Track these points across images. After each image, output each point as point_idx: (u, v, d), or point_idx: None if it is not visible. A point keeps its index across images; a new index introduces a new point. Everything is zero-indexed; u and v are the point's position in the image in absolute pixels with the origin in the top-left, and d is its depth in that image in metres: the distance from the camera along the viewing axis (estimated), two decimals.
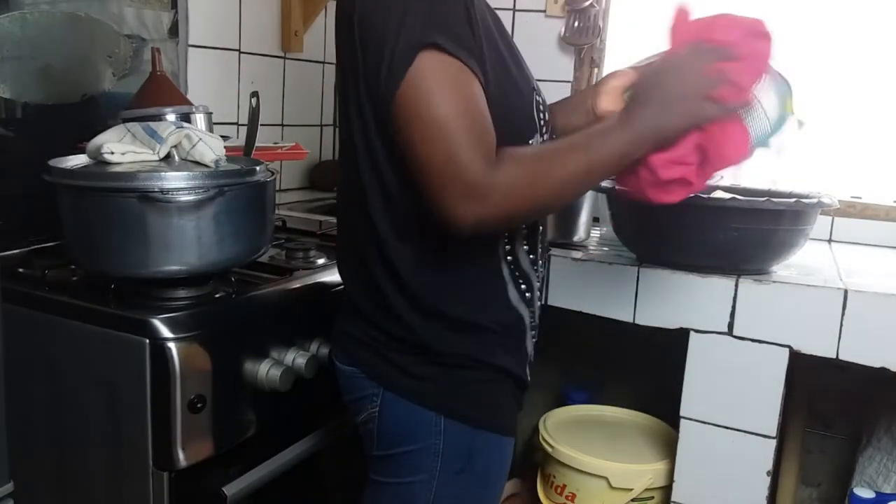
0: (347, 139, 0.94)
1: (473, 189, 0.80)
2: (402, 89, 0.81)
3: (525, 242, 0.99)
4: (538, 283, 1.04)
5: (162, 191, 1.01)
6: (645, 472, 1.47)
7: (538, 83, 1.01)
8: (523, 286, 0.99)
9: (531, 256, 1.00)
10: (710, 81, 0.87)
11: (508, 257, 0.97)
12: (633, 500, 1.47)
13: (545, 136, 0.99)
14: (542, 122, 0.98)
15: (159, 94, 1.34)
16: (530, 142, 0.95)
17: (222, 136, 1.26)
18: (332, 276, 1.31)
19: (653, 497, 1.48)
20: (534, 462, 1.63)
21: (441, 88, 0.81)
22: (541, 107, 0.99)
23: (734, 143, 0.92)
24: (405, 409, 0.95)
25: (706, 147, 0.90)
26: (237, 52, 1.88)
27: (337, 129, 2.32)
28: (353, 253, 0.99)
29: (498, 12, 1.00)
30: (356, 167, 0.92)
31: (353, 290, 1.00)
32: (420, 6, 0.81)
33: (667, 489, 1.42)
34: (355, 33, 0.86)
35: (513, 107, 0.92)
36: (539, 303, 1.06)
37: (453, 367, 0.94)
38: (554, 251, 1.45)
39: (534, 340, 1.05)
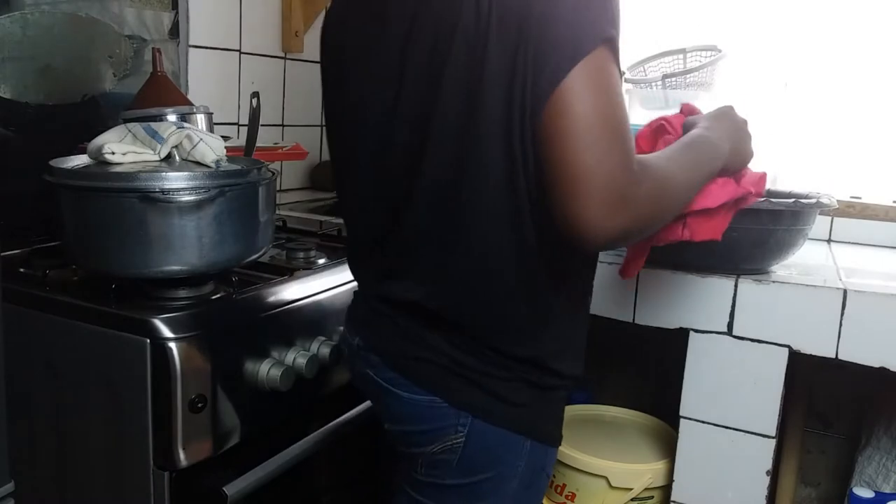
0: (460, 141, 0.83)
1: (624, 197, 0.74)
2: (569, 81, 0.73)
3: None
4: None
5: (163, 191, 1.01)
6: (644, 471, 1.47)
7: None
8: (588, 299, 1.01)
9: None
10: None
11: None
12: (632, 499, 1.47)
13: None
14: None
15: (160, 94, 1.34)
16: None
17: (223, 137, 1.27)
18: (333, 277, 1.31)
19: (652, 497, 1.48)
20: None
21: (609, 88, 0.75)
22: None
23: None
24: (496, 436, 0.90)
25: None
26: (238, 53, 1.88)
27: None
28: (466, 269, 0.88)
29: None
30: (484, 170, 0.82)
31: (455, 313, 0.89)
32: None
33: (666, 489, 1.43)
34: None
35: None
36: None
37: (548, 389, 0.92)
38: None
39: None
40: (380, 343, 0.95)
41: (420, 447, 0.93)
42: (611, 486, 1.47)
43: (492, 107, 0.79)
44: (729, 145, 0.96)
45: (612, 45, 0.75)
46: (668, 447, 1.51)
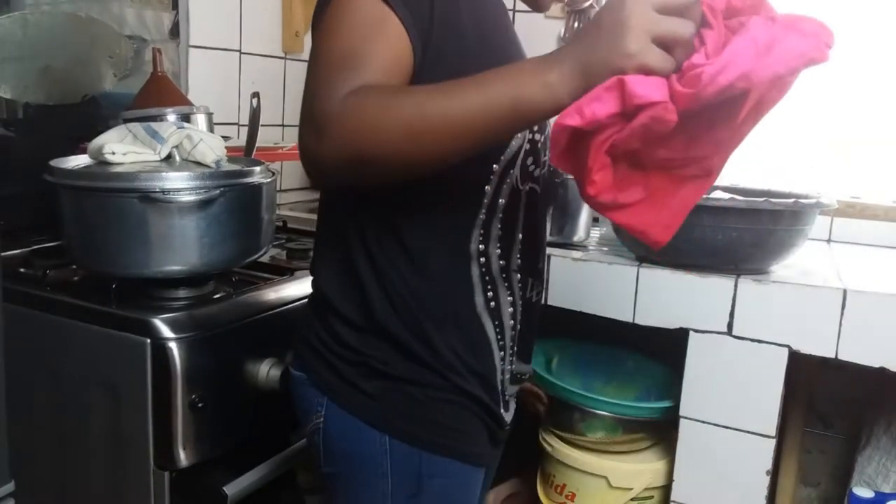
0: None
1: (316, 120, 0.71)
2: (322, 18, 0.77)
3: (498, 244, 0.89)
4: (511, 308, 0.91)
5: (163, 191, 1.01)
6: (644, 471, 1.47)
7: None
8: (490, 294, 0.89)
9: (501, 262, 0.89)
10: (671, 23, 0.64)
11: (481, 258, 0.87)
12: (632, 499, 1.47)
13: (536, 136, 0.90)
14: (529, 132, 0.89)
15: (160, 94, 1.34)
16: (513, 143, 0.86)
17: (223, 137, 1.27)
18: None
19: (652, 496, 1.48)
20: (533, 461, 1.64)
21: (349, 24, 0.74)
22: None
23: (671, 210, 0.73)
24: (350, 424, 0.87)
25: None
26: (238, 53, 1.88)
27: None
28: (328, 244, 0.92)
29: None
30: None
31: (317, 285, 0.93)
32: None
33: (666, 488, 1.43)
34: None
35: None
36: (517, 347, 0.94)
37: (406, 382, 0.86)
38: (554, 251, 1.45)
39: (510, 384, 0.95)
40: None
41: (302, 428, 0.95)
42: (611, 486, 1.47)
43: None
44: (572, 57, 0.66)
45: None
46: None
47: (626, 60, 0.63)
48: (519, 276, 0.92)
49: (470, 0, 0.84)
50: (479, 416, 0.91)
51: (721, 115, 0.71)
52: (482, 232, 0.87)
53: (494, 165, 0.86)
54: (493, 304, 0.89)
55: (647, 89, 0.63)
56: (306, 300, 0.97)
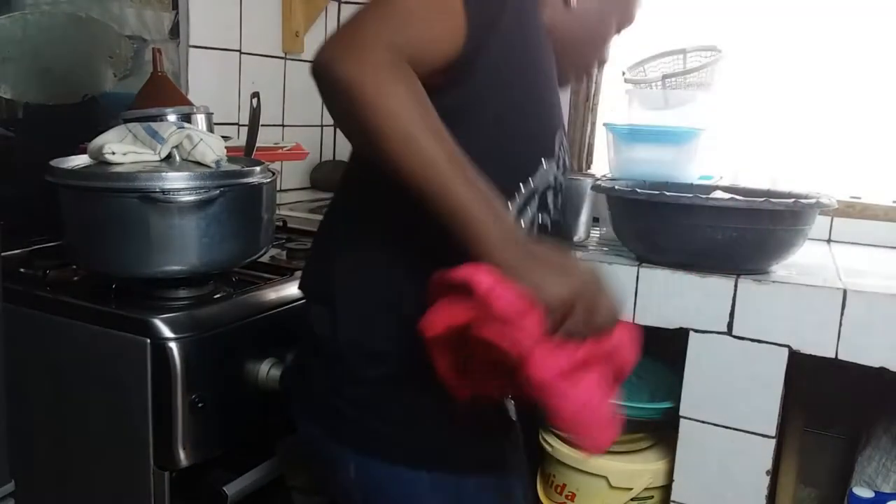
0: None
1: (354, 43, 0.71)
2: None
3: None
4: None
5: (163, 191, 1.01)
6: (644, 471, 1.47)
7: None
8: None
9: None
10: (602, 316, 0.70)
11: None
12: (632, 499, 1.47)
13: (558, 174, 0.92)
14: (560, 155, 0.91)
15: (160, 94, 1.34)
16: (543, 166, 0.88)
17: (223, 137, 1.27)
18: None
19: (652, 496, 1.48)
20: (533, 461, 1.64)
21: None
22: (562, 144, 0.92)
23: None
24: (387, 472, 0.87)
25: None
26: (238, 53, 1.88)
27: (337, 128, 2.32)
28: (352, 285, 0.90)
29: None
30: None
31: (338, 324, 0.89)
32: None
33: (666, 488, 1.43)
34: None
35: (537, 119, 0.88)
36: None
37: (426, 412, 0.86)
38: None
39: None
40: None
41: (324, 484, 0.98)
42: (611, 486, 1.47)
43: None
44: (505, 236, 0.70)
45: None
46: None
47: (552, 289, 0.68)
48: None
49: (531, 35, 0.85)
50: (495, 420, 0.92)
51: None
52: None
53: (521, 185, 0.87)
54: None
55: (520, 314, 0.67)
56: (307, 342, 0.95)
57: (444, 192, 0.69)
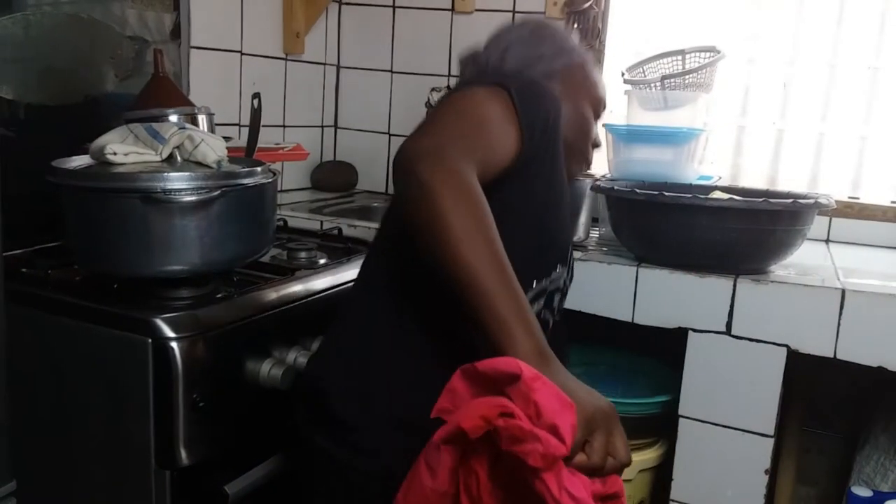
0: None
1: (431, 150, 0.80)
2: (462, 89, 0.92)
3: None
4: None
5: (164, 191, 1.01)
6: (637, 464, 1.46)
7: None
8: None
9: None
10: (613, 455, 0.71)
11: None
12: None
13: (566, 282, 1.06)
14: (570, 263, 1.05)
15: (161, 95, 1.35)
16: (558, 267, 1.01)
17: (224, 137, 1.27)
18: (334, 276, 1.32)
19: (650, 496, 1.49)
20: None
21: (485, 102, 0.88)
22: (571, 259, 1.09)
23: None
24: None
25: None
26: (239, 54, 1.89)
27: (337, 129, 2.32)
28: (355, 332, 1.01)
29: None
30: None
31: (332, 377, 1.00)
32: (521, 76, 0.97)
33: (665, 487, 1.43)
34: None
35: (559, 230, 1.00)
36: None
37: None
38: None
39: None
40: None
41: None
42: None
43: None
44: (539, 350, 0.74)
45: (510, 93, 0.89)
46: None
47: (587, 398, 0.70)
48: None
49: (560, 151, 0.97)
50: None
51: None
52: None
53: (534, 282, 0.96)
54: None
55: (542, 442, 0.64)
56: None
57: (503, 295, 0.74)
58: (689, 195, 1.30)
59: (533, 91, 0.93)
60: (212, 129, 1.38)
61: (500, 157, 0.87)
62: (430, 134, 0.84)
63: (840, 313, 1.23)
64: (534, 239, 0.94)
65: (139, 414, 1.03)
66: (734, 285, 1.29)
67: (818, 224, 1.51)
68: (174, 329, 1.02)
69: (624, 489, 0.72)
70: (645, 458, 1.49)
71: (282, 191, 2.07)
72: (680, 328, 1.34)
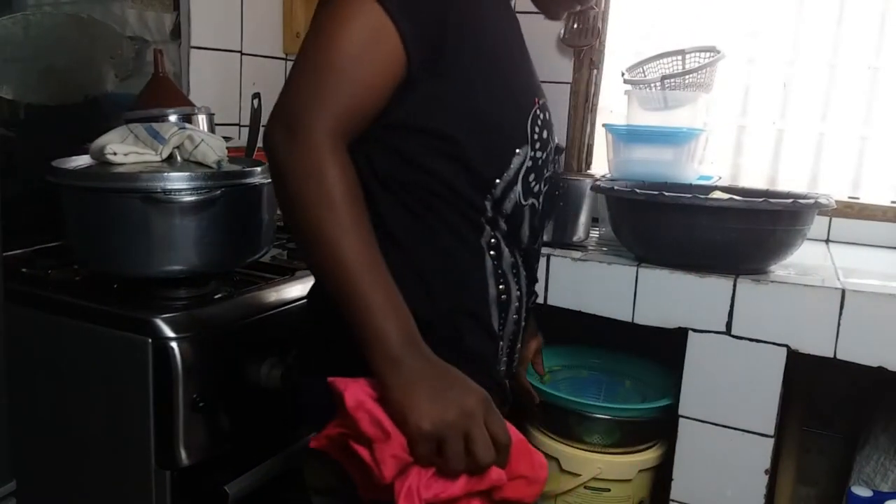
0: None
1: (290, 124, 0.77)
2: (326, 9, 0.80)
3: (506, 255, 0.92)
4: (517, 303, 0.94)
5: (164, 191, 1.02)
6: (595, 460, 1.46)
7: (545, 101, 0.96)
8: (501, 286, 0.91)
9: (512, 259, 0.93)
10: (481, 446, 0.71)
11: (494, 261, 0.90)
12: (585, 487, 1.46)
13: (538, 153, 0.92)
14: (535, 137, 0.92)
15: (162, 95, 1.35)
16: (517, 151, 0.89)
17: (224, 137, 1.27)
18: None
19: (609, 489, 1.48)
20: None
21: (350, 34, 0.78)
22: (539, 122, 0.92)
23: None
24: None
25: None
26: (239, 54, 1.89)
27: None
28: None
29: None
30: None
31: None
32: None
33: (665, 487, 1.43)
34: None
35: (502, 112, 0.89)
36: (512, 343, 0.96)
37: None
38: (554, 251, 1.45)
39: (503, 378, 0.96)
40: None
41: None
42: (561, 470, 1.47)
43: None
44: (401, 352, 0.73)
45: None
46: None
47: (418, 420, 0.70)
48: (520, 282, 0.95)
49: (491, 15, 0.88)
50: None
51: None
52: (491, 227, 0.90)
53: (497, 180, 0.89)
54: (503, 296, 0.92)
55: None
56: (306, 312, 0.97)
57: (351, 294, 0.74)
58: (689, 195, 1.30)
59: None
60: (212, 129, 1.38)
61: (377, 91, 0.80)
62: (285, 93, 0.79)
63: (840, 313, 1.23)
64: (486, 117, 0.87)
65: (139, 414, 1.03)
66: (734, 285, 1.29)
67: (818, 224, 1.51)
68: (174, 329, 1.02)
69: (504, 478, 0.73)
70: (645, 458, 1.49)
71: None
72: (680, 328, 1.34)
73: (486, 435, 0.71)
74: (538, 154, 0.92)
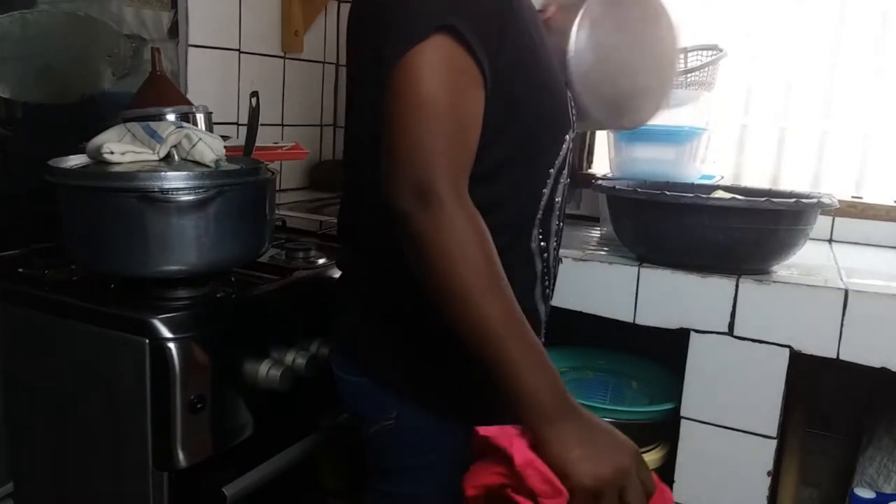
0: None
1: (421, 189, 0.75)
2: (403, 62, 0.76)
3: (554, 238, 0.98)
4: (549, 290, 1.01)
5: (162, 191, 1.01)
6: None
7: None
8: (546, 283, 0.98)
9: (553, 253, 0.99)
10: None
11: (543, 254, 0.95)
12: None
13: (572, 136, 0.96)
14: (573, 117, 0.95)
15: (159, 93, 1.34)
16: (566, 137, 0.93)
17: (222, 136, 1.26)
18: (333, 276, 1.31)
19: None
20: None
21: (439, 78, 0.76)
22: (571, 101, 0.97)
23: None
24: (426, 422, 0.92)
25: None
26: (237, 52, 1.88)
27: (337, 128, 2.32)
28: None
29: None
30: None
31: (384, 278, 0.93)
32: None
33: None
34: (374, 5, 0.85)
35: (554, 100, 0.91)
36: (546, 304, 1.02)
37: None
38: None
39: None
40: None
41: (360, 428, 1.02)
42: None
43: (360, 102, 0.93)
44: (561, 411, 0.77)
45: (456, 33, 0.76)
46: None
47: (582, 478, 0.74)
48: (553, 258, 1.01)
49: (529, 18, 0.89)
50: None
51: None
52: (541, 230, 0.94)
53: (551, 170, 0.92)
54: (547, 290, 1.00)
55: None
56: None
57: (498, 356, 0.75)
58: (691, 194, 1.29)
59: (472, 5, 0.78)
60: (210, 128, 1.37)
61: (478, 126, 0.80)
62: (403, 161, 0.76)
63: (843, 314, 1.22)
64: (541, 120, 0.89)
65: (136, 415, 1.03)
66: (736, 285, 1.28)
67: (821, 224, 1.50)
68: (172, 330, 1.01)
69: None
70: (647, 459, 1.47)
71: (280, 190, 2.06)
72: (682, 329, 1.33)
73: (640, 487, 0.77)
74: (571, 135, 0.97)
